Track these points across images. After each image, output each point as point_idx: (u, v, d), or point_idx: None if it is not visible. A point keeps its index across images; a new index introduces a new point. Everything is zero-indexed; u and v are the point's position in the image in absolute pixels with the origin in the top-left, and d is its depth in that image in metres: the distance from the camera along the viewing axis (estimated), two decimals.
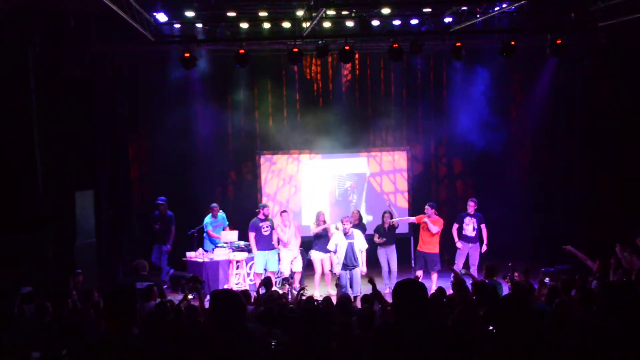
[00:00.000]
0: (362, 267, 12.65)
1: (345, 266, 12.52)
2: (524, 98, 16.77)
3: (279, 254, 14.07)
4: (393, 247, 13.93)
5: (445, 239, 14.17)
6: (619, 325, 4.63)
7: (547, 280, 10.05)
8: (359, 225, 13.87)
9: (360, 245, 12.66)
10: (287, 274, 13.93)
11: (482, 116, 16.43)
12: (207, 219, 14.76)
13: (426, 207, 13.76)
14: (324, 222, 13.79)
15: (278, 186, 16.99)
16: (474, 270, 13.45)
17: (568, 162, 15.96)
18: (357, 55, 15.82)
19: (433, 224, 13.51)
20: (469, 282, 10.46)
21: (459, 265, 13.66)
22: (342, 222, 12.74)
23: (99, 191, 14.14)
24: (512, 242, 15.82)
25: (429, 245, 13.65)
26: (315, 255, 13.75)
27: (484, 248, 13.88)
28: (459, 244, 13.94)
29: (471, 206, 13.93)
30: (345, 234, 12.54)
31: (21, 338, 7.45)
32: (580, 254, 11.27)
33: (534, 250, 15.74)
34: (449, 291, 10.11)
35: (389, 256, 13.85)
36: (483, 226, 13.89)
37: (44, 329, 7.75)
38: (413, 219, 14.11)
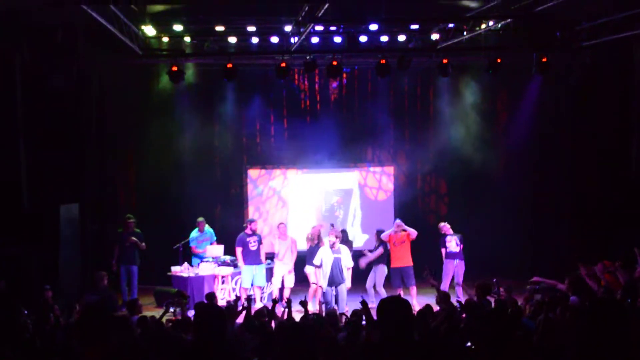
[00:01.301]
0: (347, 284, 12.60)
1: (331, 282, 12.45)
2: (511, 115, 16.79)
3: (269, 268, 14.09)
4: (381, 266, 13.83)
5: (425, 253, 14.12)
6: (605, 342, 4.64)
7: (538, 296, 10.05)
8: (346, 242, 13.86)
9: (347, 262, 12.60)
10: (277, 286, 13.88)
11: (469, 133, 16.52)
12: (194, 233, 14.62)
13: (396, 222, 13.89)
14: (318, 236, 13.69)
15: (265, 201, 16.95)
16: (458, 289, 13.46)
17: (555, 178, 16.01)
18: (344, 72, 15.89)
19: (403, 239, 13.62)
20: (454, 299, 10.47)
21: (445, 284, 13.58)
22: (329, 235, 12.75)
23: (85, 205, 14.03)
24: (498, 257, 15.78)
25: (403, 259, 13.66)
26: (310, 269, 13.53)
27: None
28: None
29: (446, 229, 13.91)
30: (332, 247, 12.51)
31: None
32: (548, 281, 11.28)
33: (521, 265, 15.59)
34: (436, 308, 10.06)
35: (376, 274, 13.79)
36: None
37: (26, 344, 7.66)
38: (387, 244, 13.84)
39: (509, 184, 16.72)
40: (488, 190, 16.77)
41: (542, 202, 16.29)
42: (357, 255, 13.78)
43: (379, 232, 14.04)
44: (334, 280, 12.42)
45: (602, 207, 14.66)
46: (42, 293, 10.98)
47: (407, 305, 4.62)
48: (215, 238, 14.82)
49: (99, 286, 11.93)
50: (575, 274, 10.70)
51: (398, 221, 13.89)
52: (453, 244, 13.82)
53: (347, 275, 12.62)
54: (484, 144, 16.48)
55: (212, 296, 11.08)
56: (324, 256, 12.56)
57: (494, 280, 10.75)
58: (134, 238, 14.03)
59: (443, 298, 9.58)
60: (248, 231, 13.86)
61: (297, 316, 9.36)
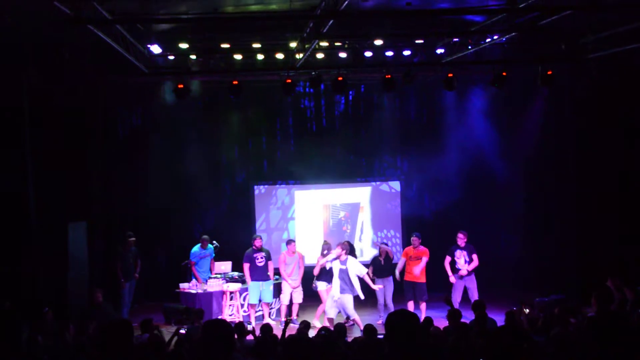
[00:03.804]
0: (359, 293, 12.64)
1: (339, 291, 12.64)
2: (518, 127, 16.68)
3: (278, 284, 14.08)
4: (390, 278, 13.81)
5: (434, 267, 14.01)
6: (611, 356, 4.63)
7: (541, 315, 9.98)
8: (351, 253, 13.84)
9: (357, 270, 12.67)
10: (286, 303, 13.86)
11: (476, 146, 16.48)
12: (195, 248, 14.46)
13: (412, 237, 13.80)
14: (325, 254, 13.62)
15: (272, 216, 16.94)
16: None
17: (562, 191, 15.89)
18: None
19: (420, 255, 13.56)
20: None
21: (456, 300, 13.46)
22: (335, 248, 12.95)
23: (92, 223, 14.09)
24: (506, 271, 15.79)
25: (418, 275, 13.60)
26: (322, 286, 13.51)
27: (463, 272, 13.55)
28: (452, 279, 13.69)
29: (460, 238, 13.69)
30: (339, 258, 12.67)
31: None
32: None
33: (529, 279, 15.65)
34: (436, 322, 10.03)
35: (385, 288, 13.74)
36: (474, 256, 13.65)
37: None
38: (402, 261, 13.87)
39: (517, 197, 16.70)
40: (496, 203, 16.74)
41: (549, 215, 16.17)
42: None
43: (383, 245, 14.10)
44: (342, 290, 12.58)
45: (608, 219, 14.51)
46: (44, 315, 10.92)
47: (415, 318, 4.57)
48: (214, 255, 14.70)
49: (95, 303, 12.01)
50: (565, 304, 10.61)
51: (414, 238, 13.78)
52: (462, 260, 13.68)
53: (357, 283, 12.64)
54: (491, 157, 16.44)
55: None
56: (334, 265, 12.76)
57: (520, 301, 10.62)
58: (136, 275, 14.30)
59: (453, 315, 9.56)
60: (254, 247, 13.84)
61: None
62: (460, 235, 13.73)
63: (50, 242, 12.86)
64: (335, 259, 12.69)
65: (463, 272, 13.57)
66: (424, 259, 13.56)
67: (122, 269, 14.07)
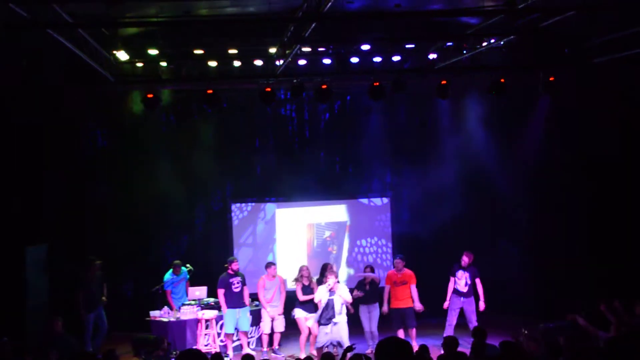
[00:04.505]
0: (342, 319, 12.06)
1: (327, 320, 11.97)
2: (518, 138, 16.06)
3: (256, 311, 13.44)
4: (376, 305, 13.18)
5: (432, 295, 13.47)
6: None
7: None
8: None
9: (345, 297, 12.10)
10: (267, 331, 13.17)
11: (473, 157, 15.97)
12: (168, 275, 13.74)
13: (396, 260, 13.34)
14: (308, 277, 12.93)
15: (251, 237, 16.14)
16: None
17: (569, 206, 15.28)
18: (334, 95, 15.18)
19: (406, 279, 13.04)
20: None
21: (451, 321, 13.08)
22: (329, 277, 12.22)
23: (53, 246, 13.51)
24: (507, 292, 15.26)
25: (404, 300, 13.07)
26: (300, 314, 12.81)
27: (482, 305, 13.16)
28: (445, 304, 13.25)
29: (464, 260, 13.20)
30: (331, 290, 12.02)
31: None
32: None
33: (532, 301, 15.10)
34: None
35: (370, 314, 13.11)
36: (478, 281, 13.21)
37: None
38: (387, 289, 13.22)
39: (515, 211, 16.17)
40: (493, 219, 16.27)
41: (554, 232, 15.48)
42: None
43: (371, 268, 13.48)
44: (329, 319, 11.94)
45: (620, 233, 14.08)
46: (2, 346, 10.12)
47: (407, 346, 4.64)
48: (188, 277, 14.02)
49: (54, 333, 11.30)
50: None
51: (397, 260, 13.26)
52: (462, 282, 13.19)
53: (343, 309, 12.07)
54: (488, 170, 15.89)
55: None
56: (322, 296, 12.08)
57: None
58: (104, 298, 13.45)
59: (449, 344, 8.96)
60: (230, 271, 13.10)
61: None
62: (464, 257, 13.25)
63: (5, 267, 12.28)
64: (331, 290, 12.03)
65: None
66: (413, 287, 13.05)
67: (84, 299, 13.16)
